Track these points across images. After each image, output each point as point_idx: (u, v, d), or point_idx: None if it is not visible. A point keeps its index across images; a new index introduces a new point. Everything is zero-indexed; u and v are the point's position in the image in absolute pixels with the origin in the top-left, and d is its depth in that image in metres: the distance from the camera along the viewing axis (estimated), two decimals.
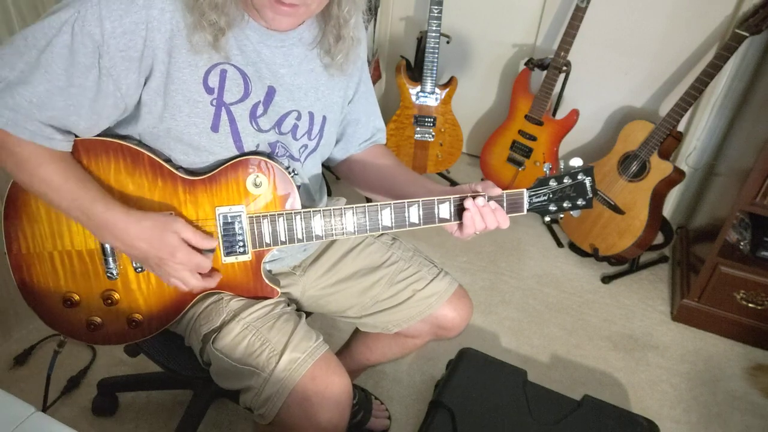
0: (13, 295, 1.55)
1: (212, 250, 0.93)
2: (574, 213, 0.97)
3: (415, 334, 1.18)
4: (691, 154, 2.25)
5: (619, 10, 2.19)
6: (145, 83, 0.84)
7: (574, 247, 2.25)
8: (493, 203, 0.93)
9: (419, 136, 2.37)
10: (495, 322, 1.89)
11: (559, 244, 2.29)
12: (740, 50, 1.81)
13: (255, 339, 0.94)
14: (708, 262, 1.82)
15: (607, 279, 2.12)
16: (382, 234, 1.21)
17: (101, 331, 0.98)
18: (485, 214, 0.92)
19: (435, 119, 2.34)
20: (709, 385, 1.74)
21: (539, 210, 0.97)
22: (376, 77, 2.41)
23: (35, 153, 0.83)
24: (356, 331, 1.32)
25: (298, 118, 0.98)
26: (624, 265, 2.19)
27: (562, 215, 0.97)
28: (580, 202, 0.96)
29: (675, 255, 2.25)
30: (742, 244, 1.84)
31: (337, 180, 2.46)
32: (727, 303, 1.86)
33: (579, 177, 0.94)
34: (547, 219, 0.99)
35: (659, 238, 2.19)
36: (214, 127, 0.89)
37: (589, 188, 0.95)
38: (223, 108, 0.89)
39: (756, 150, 1.66)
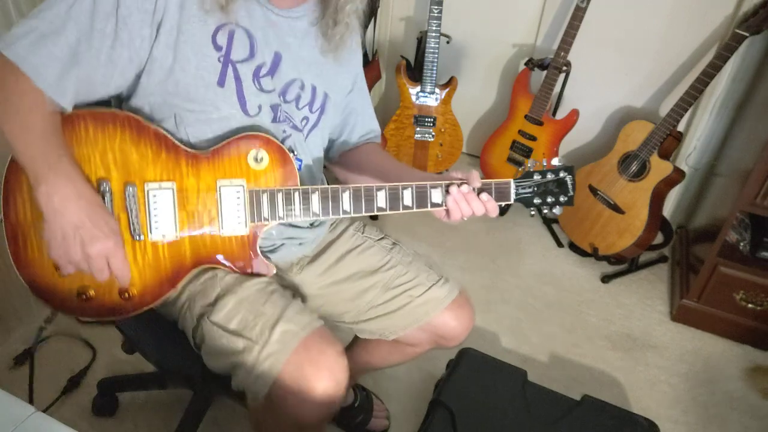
0: (13, 296, 1.56)
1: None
2: (557, 210, 1.03)
3: (414, 342, 1.17)
4: (691, 154, 2.25)
5: (619, 10, 2.19)
6: (156, 37, 0.88)
7: (573, 247, 2.26)
8: (484, 195, 0.97)
9: (419, 136, 2.37)
10: (494, 320, 1.89)
11: (559, 244, 2.29)
12: (740, 50, 1.81)
13: (249, 312, 0.94)
14: (707, 263, 1.82)
15: (606, 278, 2.12)
16: (383, 238, 1.21)
17: (92, 303, 0.96)
18: (470, 200, 0.96)
19: (435, 119, 2.34)
20: (707, 385, 1.74)
21: (524, 201, 1.02)
22: (376, 77, 2.41)
23: (35, 101, 0.84)
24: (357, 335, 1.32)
25: (302, 87, 1.02)
26: (623, 264, 2.19)
27: (546, 210, 1.03)
28: (562, 198, 1.02)
29: (674, 255, 2.25)
30: (741, 244, 1.84)
31: (336, 181, 2.46)
32: (726, 303, 1.86)
33: (561, 174, 1.01)
34: (533, 212, 1.05)
35: (659, 238, 2.19)
36: (221, 82, 0.93)
37: (570, 186, 1.02)
38: (230, 65, 0.93)
39: (756, 150, 1.66)
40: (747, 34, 1.74)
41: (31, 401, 1.26)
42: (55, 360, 1.58)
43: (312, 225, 1.13)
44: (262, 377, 0.91)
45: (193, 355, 1.08)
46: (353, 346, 1.33)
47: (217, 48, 0.91)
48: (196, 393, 1.40)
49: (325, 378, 0.90)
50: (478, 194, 0.97)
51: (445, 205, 0.98)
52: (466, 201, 0.96)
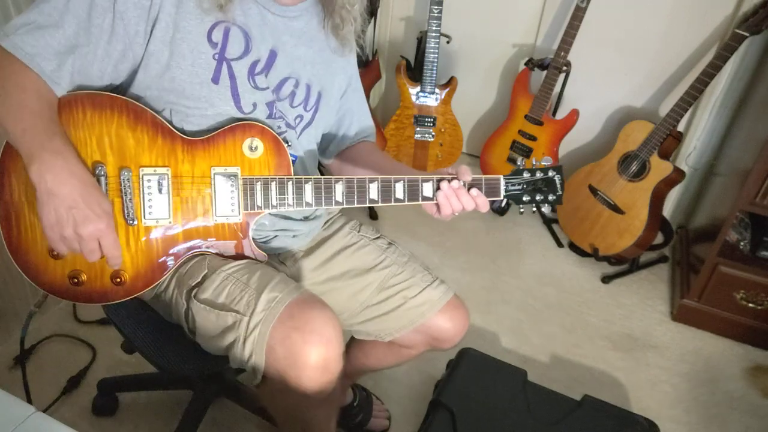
0: (13, 297, 1.55)
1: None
2: (545, 208, 1.05)
3: (409, 344, 1.17)
4: (691, 154, 2.25)
5: (619, 10, 2.19)
6: (151, 33, 0.89)
7: (574, 247, 2.25)
8: (474, 190, 0.98)
9: (419, 136, 2.37)
10: (495, 321, 1.89)
11: (559, 244, 2.29)
12: (740, 50, 1.81)
13: (235, 287, 0.95)
14: (708, 262, 1.82)
15: (606, 279, 2.12)
16: (379, 237, 1.21)
17: (84, 287, 0.96)
18: (460, 195, 0.97)
19: (435, 119, 2.34)
20: (708, 385, 1.74)
21: (514, 197, 1.04)
22: (376, 77, 2.41)
23: (29, 82, 0.85)
24: (353, 336, 1.32)
25: (296, 85, 1.03)
26: (624, 265, 2.19)
27: (534, 208, 1.05)
28: (551, 197, 1.04)
29: (675, 255, 2.25)
30: (741, 244, 1.84)
31: None
32: (726, 303, 1.86)
33: (549, 173, 1.03)
34: (522, 209, 1.07)
35: (659, 238, 2.19)
36: (215, 80, 0.94)
37: (558, 185, 1.03)
38: (224, 63, 0.94)
39: (756, 150, 1.66)
40: (747, 34, 1.74)
41: (28, 396, 1.25)
42: (55, 360, 1.58)
43: (306, 218, 1.13)
44: (255, 350, 0.90)
45: (192, 356, 1.08)
46: (349, 348, 1.32)
47: (212, 45, 0.93)
48: (196, 393, 1.40)
49: (315, 342, 0.88)
50: (469, 189, 0.98)
51: (436, 200, 0.98)
52: (456, 196, 0.97)
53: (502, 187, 1.01)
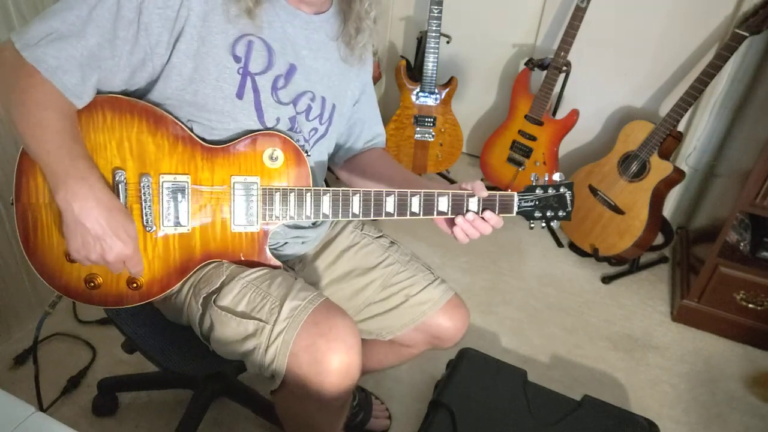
0: (13, 296, 1.55)
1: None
2: (554, 224, 1.06)
3: (409, 343, 1.18)
4: (691, 154, 2.25)
5: (619, 10, 2.19)
6: (174, 45, 0.88)
7: (574, 247, 2.26)
8: (488, 213, 1.00)
9: (419, 136, 2.37)
10: (495, 321, 1.89)
11: (559, 244, 2.29)
12: (740, 50, 1.81)
13: (255, 295, 0.94)
14: (708, 263, 1.82)
15: (607, 279, 2.12)
16: (381, 236, 1.22)
17: (100, 291, 0.96)
18: (476, 225, 1.00)
19: (435, 119, 2.34)
20: (708, 385, 1.74)
21: (526, 214, 1.05)
22: (376, 77, 2.41)
23: (50, 98, 0.84)
24: None
25: (312, 99, 1.03)
26: (624, 265, 2.19)
27: (544, 224, 1.07)
28: (561, 213, 1.06)
29: (675, 255, 2.25)
30: (742, 244, 1.84)
31: (336, 180, 2.46)
32: (727, 304, 1.86)
33: (561, 189, 1.04)
34: (532, 224, 1.08)
35: (659, 239, 2.20)
36: (239, 95, 0.93)
37: (569, 201, 1.05)
38: (248, 77, 0.93)
39: (756, 150, 1.66)
40: (747, 34, 1.74)
41: (38, 395, 1.24)
42: (55, 360, 1.58)
43: (314, 224, 1.14)
44: (277, 357, 0.90)
45: (194, 355, 1.08)
46: None
47: (236, 59, 0.92)
48: (197, 393, 1.40)
49: (338, 349, 0.89)
50: (483, 210, 0.99)
51: (450, 213, 1.00)
52: (472, 227, 1.00)
53: (516, 204, 1.02)
